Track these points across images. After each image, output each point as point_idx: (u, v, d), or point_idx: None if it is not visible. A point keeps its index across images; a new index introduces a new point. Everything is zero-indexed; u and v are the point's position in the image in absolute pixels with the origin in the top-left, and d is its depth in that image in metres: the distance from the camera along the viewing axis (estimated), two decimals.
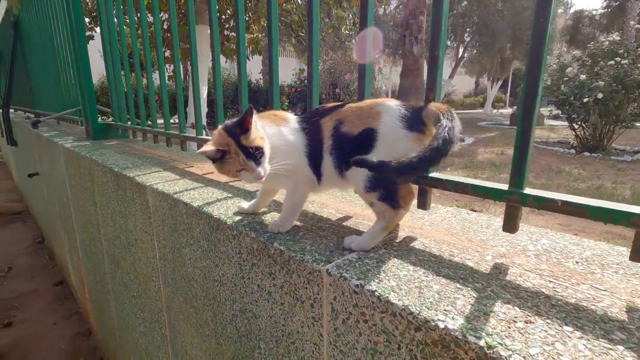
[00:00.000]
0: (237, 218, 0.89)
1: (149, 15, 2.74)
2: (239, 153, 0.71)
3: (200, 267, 1.01)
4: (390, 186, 0.69)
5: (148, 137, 2.06)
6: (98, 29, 3.00)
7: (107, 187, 1.55)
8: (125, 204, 1.41)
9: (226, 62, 6.05)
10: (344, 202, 1.02)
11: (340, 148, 0.73)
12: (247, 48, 6.53)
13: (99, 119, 2.42)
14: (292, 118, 0.83)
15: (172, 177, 1.29)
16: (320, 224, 0.85)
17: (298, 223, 0.84)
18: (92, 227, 1.91)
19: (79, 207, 2.10)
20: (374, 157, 0.63)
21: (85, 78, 2.30)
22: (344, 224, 0.86)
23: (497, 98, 26.65)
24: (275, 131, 0.78)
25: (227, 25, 5.78)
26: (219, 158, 0.73)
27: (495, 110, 24.23)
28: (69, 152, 2.10)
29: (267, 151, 0.74)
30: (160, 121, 1.92)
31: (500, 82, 22.19)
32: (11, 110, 6.06)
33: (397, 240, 0.76)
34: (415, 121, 0.69)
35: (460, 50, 19.10)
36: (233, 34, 6.18)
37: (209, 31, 5.46)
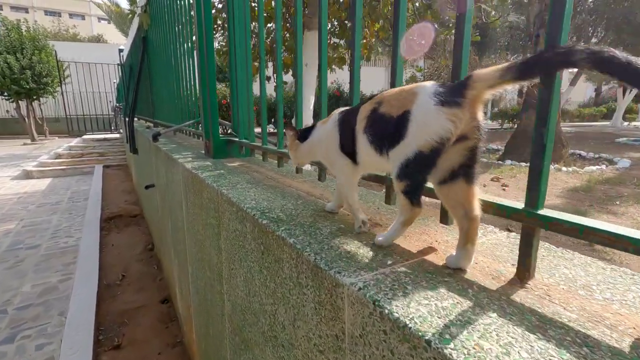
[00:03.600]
0: None
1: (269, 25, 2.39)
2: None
3: None
4: (416, 179, 0.65)
5: (269, 157, 1.65)
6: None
7: (242, 239, 1.11)
8: (282, 285, 0.88)
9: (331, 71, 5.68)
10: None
11: (374, 126, 0.71)
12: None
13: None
14: (338, 111, 0.88)
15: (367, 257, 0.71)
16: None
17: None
18: (211, 272, 1.54)
19: (196, 240, 1.77)
20: (408, 139, 0.62)
21: (209, 89, 2.00)
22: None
23: (628, 108, 22.27)
24: (318, 131, 0.93)
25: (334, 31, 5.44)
26: None
27: (627, 123, 20.20)
28: (189, 174, 1.79)
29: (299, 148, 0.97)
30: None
31: (634, 91, 18.42)
32: (135, 119, 6.59)
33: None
34: (450, 95, 0.59)
35: None
36: (336, 40, 5.84)
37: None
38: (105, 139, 10.84)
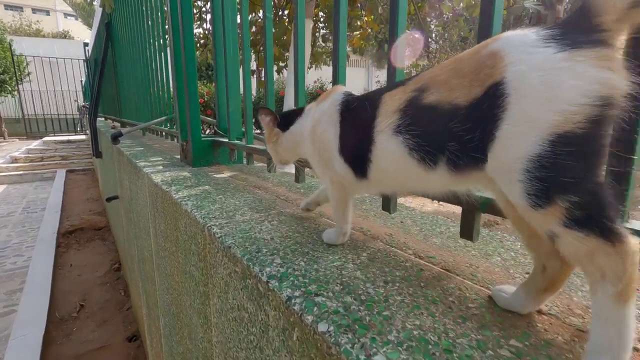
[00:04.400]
0: None
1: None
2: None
3: None
4: (584, 188, 0.35)
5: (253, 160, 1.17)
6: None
7: (258, 332, 0.61)
8: None
9: (312, 68, 5.22)
10: None
11: (420, 124, 0.47)
12: (349, 46, 5.70)
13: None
14: (341, 90, 0.65)
15: None
16: None
17: None
18: (193, 324, 1.02)
19: (170, 288, 1.25)
20: (508, 136, 0.37)
21: (188, 75, 1.48)
22: None
23: None
24: (306, 116, 0.71)
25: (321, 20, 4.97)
26: None
27: None
28: (157, 190, 1.26)
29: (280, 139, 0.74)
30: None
31: None
32: (100, 119, 5.89)
33: None
34: (579, 30, 0.36)
35: None
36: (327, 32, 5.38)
37: (311, 25, 4.80)
38: (69, 141, 9.94)
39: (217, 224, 0.79)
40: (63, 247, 4.27)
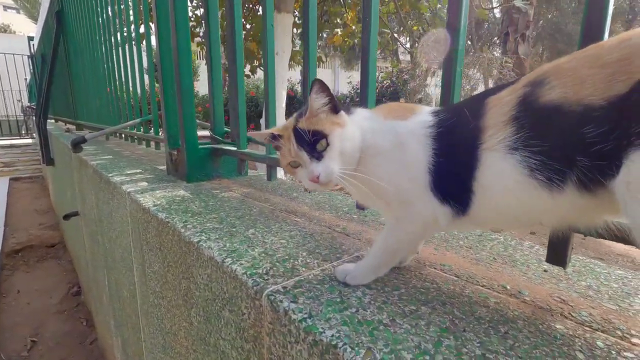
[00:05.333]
0: None
1: None
2: (290, 138, 0.49)
3: None
4: None
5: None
6: None
7: None
8: None
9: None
10: None
11: (542, 133, 0.37)
12: (331, 45, 5.44)
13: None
14: (425, 110, 0.50)
15: None
16: None
17: None
18: None
19: (177, 349, 0.92)
20: None
21: (179, 65, 1.16)
22: None
23: None
24: (379, 125, 0.50)
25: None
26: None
27: None
28: (148, 218, 0.94)
29: (336, 142, 0.47)
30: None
31: None
32: (50, 121, 5.22)
33: None
34: None
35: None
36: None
37: (292, 20, 4.49)
38: (12, 145, 8.90)
39: (281, 289, 0.51)
40: (8, 270, 3.66)
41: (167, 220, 0.84)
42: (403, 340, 0.39)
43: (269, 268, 0.57)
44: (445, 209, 0.45)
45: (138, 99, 2.01)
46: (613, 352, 0.38)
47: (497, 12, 12.80)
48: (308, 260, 0.60)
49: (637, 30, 0.35)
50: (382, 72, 9.72)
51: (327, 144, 0.47)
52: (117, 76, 2.27)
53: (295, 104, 11.58)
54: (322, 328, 0.42)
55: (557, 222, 0.44)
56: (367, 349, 0.38)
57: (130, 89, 2.08)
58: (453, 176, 0.44)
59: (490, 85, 11.61)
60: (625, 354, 0.38)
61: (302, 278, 0.54)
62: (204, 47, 4.89)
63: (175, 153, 1.28)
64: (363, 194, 0.52)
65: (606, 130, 0.33)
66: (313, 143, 0.47)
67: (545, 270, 0.58)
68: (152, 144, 2.10)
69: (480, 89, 11.12)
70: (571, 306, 0.47)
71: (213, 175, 1.26)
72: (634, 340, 0.40)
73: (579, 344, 0.39)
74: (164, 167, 1.50)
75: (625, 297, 0.50)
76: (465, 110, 0.45)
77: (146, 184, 1.22)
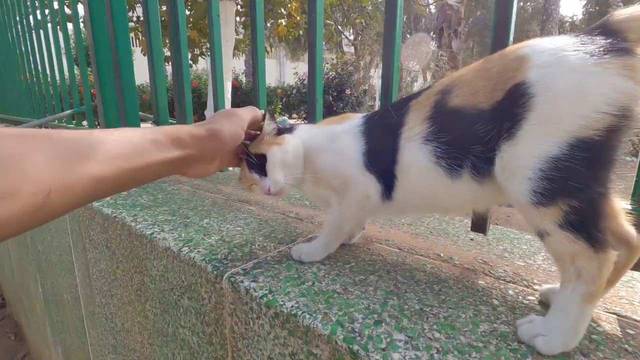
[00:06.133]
0: None
1: None
2: (243, 164, 0.59)
3: None
4: (586, 194, 0.37)
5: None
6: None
7: None
8: None
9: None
10: None
11: (447, 130, 0.46)
12: (276, 36, 5.36)
13: None
14: (359, 116, 0.59)
15: None
16: None
17: None
18: None
19: (130, 345, 0.90)
20: (537, 129, 0.38)
21: (119, 52, 1.11)
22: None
23: None
24: (318, 132, 0.60)
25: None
26: None
27: None
28: (92, 215, 0.90)
29: (272, 158, 0.55)
30: None
31: None
32: None
33: None
34: (605, 38, 0.38)
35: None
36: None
37: (234, 8, 4.34)
38: None
39: (241, 270, 0.53)
40: None
41: (114, 215, 0.82)
42: (354, 304, 0.45)
43: (227, 253, 0.60)
44: (377, 185, 0.52)
45: (67, 89, 1.85)
46: (520, 297, 0.47)
47: (434, 8, 13.55)
48: (265, 244, 0.63)
49: (513, 46, 0.44)
50: (327, 63, 9.82)
51: (265, 161, 0.55)
52: (29, 62, 2.06)
53: (240, 95, 11.26)
54: (282, 301, 0.46)
55: (460, 209, 0.54)
56: (323, 314, 0.43)
57: (52, 76, 1.90)
58: (380, 156, 0.52)
59: (429, 77, 12.30)
60: (529, 297, 0.47)
61: (261, 260, 0.57)
62: (139, 32, 4.56)
63: None
64: (314, 193, 0.61)
65: (490, 128, 0.42)
66: (260, 164, 0.56)
67: (472, 239, 0.67)
68: None
69: (420, 80, 11.74)
70: (490, 265, 0.56)
71: None
72: (536, 287, 0.50)
73: (495, 293, 0.48)
74: None
75: (531, 255, 0.61)
76: (390, 109, 0.54)
77: None
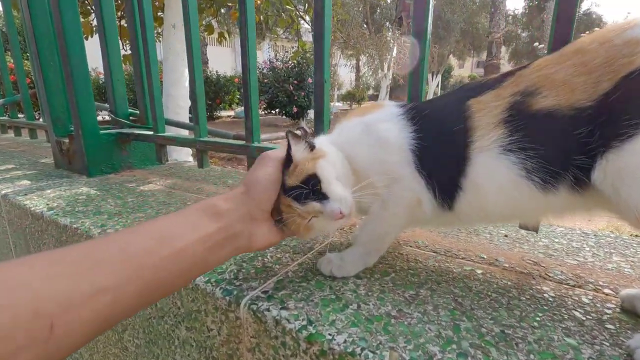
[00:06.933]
0: None
1: None
2: (288, 203, 0.42)
3: None
4: None
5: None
6: None
7: None
8: None
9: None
10: None
11: (538, 139, 0.38)
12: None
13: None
14: (391, 104, 0.49)
15: None
16: None
17: None
18: None
19: None
20: None
21: (65, 32, 0.91)
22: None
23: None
24: (342, 129, 0.49)
25: None
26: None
27: None
28: (44, 227, 0.73)
29: (325, 173, 0.42)
30: None
31: (439, 76, 22.91)
32: None
33: None
34: None
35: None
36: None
37: None
38: None
39: (261, 294, 0.42)
40: None
41: (74, 226, 0.66)
42: (422, 332, 0.36)
43: (236, 271, 0.48)
44: (428, 193, 0.43)
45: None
46: (598, 305, 0.41)
47: None
48: (278, 256, 0.53)
49: (613, 29, 0.37)
50: (287, 52, 9.57)
51: (319, 180, 0.41)
52: None
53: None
54: (329, 334, 0.36)
55: (539, 219, 0.49)
56: (390, 349, 0.33)
57: None
58: (440, 163, 0.43)
59: (387, 63, 12.45)
60: (608, 305, 0.41)
61: (281, 277, 0.47)
62: (88, 12, 4.08)
63: (67, 141, 1.02)
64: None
65: (593, 128, 0.35)
66: (312, 189, 0.41)
67: (505, 235, 0.61)
68: (26, 131, 1.67)
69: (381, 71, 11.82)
70: (543, 267, 0.50)
71: (122, 166, 1.05)
72: (606, 290, 0.44)
73: (570, 303, 0.41)
74: (49, 160, 1.20)
75: (577, 251, 0.55)
76: (439, 107, 0.46)
77: (28, 182, 0.95)
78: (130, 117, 1.16)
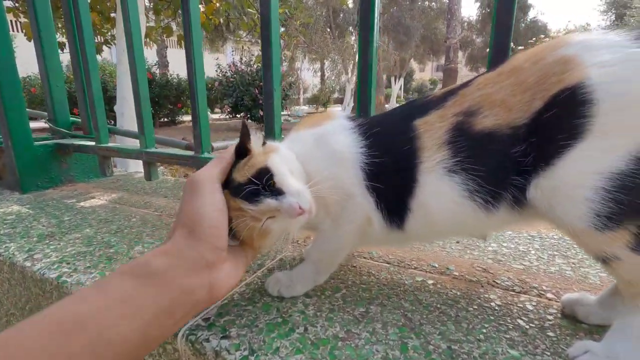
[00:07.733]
0: None
1: None
2: (237, 203, 0.38)
3: None
4: None
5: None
6: None
7: None
8: None
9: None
10: None
11: (479, 160, 0.38)
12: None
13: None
14: (340, 114, 0.49)
15: None
16: None
17: None
18: None
19: None
20: (589, 148, 0.32)
21: None
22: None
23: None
24: (294, 138, 0.47)
25: None
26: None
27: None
28: None
29: (280, 166, 0.39)
30: None
31: (401, 79, 23.59)
32: None
33: None
34: None
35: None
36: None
37: None
38: None
39: (202, 322, 0.39)
40: None
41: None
42: (368, 354, 0.34)
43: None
44: (377, 212, 0.42)
45: None
46: (540, 311, 0.42)
47: (351, 3, 13.92)
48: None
49: (546, 47, 0.38)
50: (253, 55, 9.44)
51: (272, 175, 0.38)
52: None
53: (154, 88, 10.25)
54: None
55: (484, 234, 0.48)
56: None
57: None
58: (389, 184, 0.42)
59: (351, 68, 12.61)
60: (550, 311, 0.42)
61: (226, 301, 0.44)
62: (20, 14, 3.79)
63: None
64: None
65: (526, 147, 0.36)
66: (265, 185, 0.38)
67: (457, 242, 0.62)
68: None
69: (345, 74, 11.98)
70: (492, 274, 0.51)
71: (62, 180, 0.96)
72: (549, 295, 0.45)
73: (515, 311, 0.42)
74: None
75: (523, 255, 0.57)
76: (386, 125, 0.45)
77: None
78: (74, 126, 1.08)
